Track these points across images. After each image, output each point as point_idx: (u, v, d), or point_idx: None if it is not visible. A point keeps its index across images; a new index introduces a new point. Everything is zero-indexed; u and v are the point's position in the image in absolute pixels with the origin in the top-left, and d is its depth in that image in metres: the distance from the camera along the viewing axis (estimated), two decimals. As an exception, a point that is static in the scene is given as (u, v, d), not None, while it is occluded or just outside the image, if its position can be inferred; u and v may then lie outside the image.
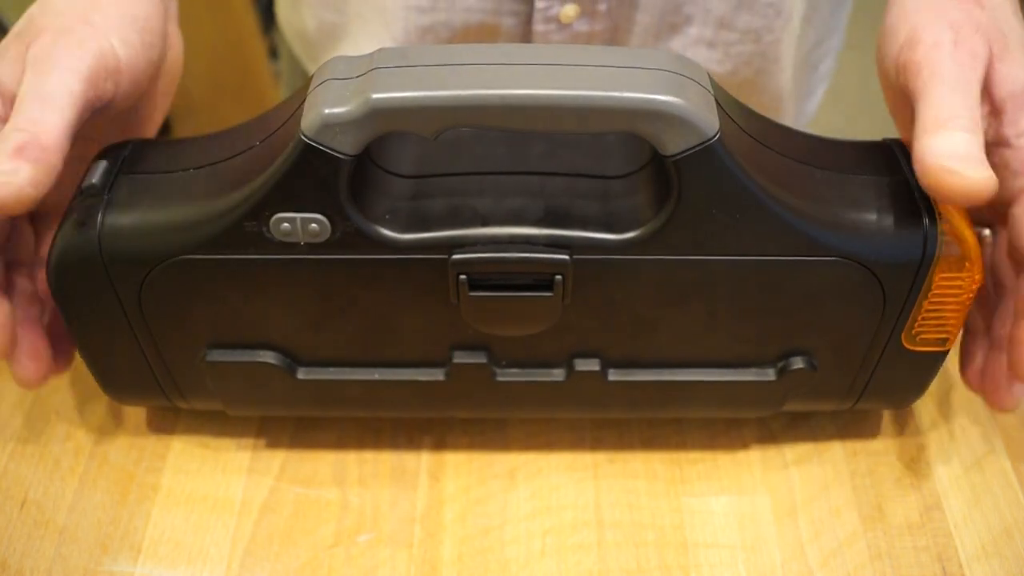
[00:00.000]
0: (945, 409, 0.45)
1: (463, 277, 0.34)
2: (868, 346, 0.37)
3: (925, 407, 0.45)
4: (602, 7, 0.52)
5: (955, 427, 0.44)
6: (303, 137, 0.31)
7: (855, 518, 0.41)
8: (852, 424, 0.44)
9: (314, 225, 0.33)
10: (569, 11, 0.52)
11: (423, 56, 0.31)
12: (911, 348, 0.37)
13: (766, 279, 0.35)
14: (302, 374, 0.39)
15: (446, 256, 0.34)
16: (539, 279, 0.34)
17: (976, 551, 0.39)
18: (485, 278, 0.34)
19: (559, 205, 0.34)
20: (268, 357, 0.38)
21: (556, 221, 0.34)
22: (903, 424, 0.44)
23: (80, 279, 0.35)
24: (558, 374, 0.39)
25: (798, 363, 0.38)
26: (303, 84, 0.33)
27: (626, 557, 0.40)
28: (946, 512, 0.41)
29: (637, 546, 0.40)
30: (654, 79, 0.30)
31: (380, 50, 0.31)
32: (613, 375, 0.39)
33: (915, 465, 0.43)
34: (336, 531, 0.41)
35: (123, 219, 0.34)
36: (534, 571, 0.39)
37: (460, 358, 0.38)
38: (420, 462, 0.43)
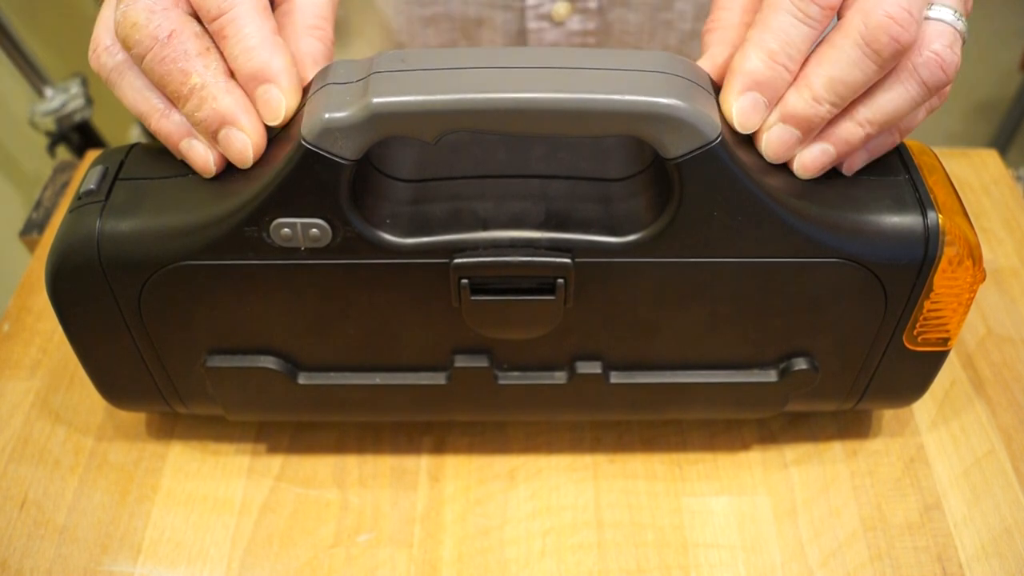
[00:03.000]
0: (945, 409, 0.45)
1: (464, 281, 0.34)
2: (870, 347, 0.37)
3: (925, 407, 0.45)
4: (592, 4, 0.52)
5: (955, 427, 0.44)
6: (303, 142, 0.30)
7: (855, 518, 0.41)
8: (852, 424, 0.44)
9: (315, 230, 0.33)
10: (560, 9, 0.52)
11: (422, 60, 0.31)
12: (912, 348, 0.37)
13: (767, 281, 0.35)
14: (303, 379, 0.39)
15: (447, 260, 0.34)
16: (541, 282, 0.34)
17: (976, 551, 0.39)
18: (487, 282, 0.34)
19: (560, 208, 0.34)
20: (268, 362, 0.38)
21: (557, 224, 0.34)
22: (903, 424, 0.44)
23: (78, 285, 0.35)
24: (560, 377, 0.39)
25: (800, 364, 0.38)
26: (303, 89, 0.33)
27: (626, 557, 0.40)
28: (946, 512, 0.41)
29: (637, 546, 0.40)
30: (655, 82, 0.30)
31: (379, 54, 0.31)
32: (615, 378, 0.39)
33: (915, 465, 0.43)
34: (336, 531, 0.41)
35: (122, 224, 0.34)
36: (534, 571, 0.39)
37: (461, 362, 0.38)
38: (420, 462, 0.43)
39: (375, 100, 0.29)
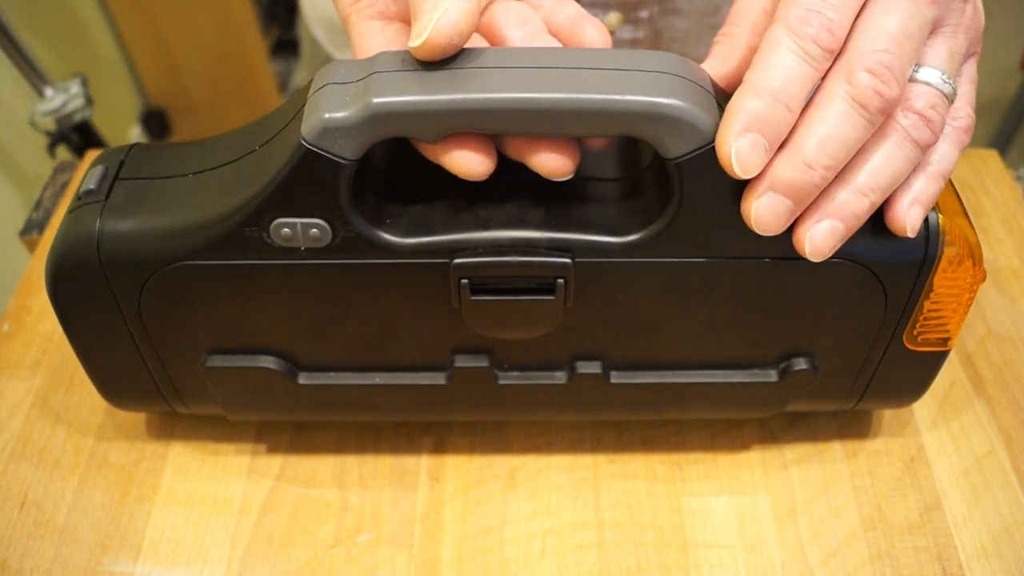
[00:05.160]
0: (945, 409, 0.45)
1: (464, 281, 0.34)
2: (870, 347, 0.37)
3: (925, 407, 0.45)
4: (644, 14, 0.52)
5: (955, 427, 0.44)
6: (303, 142, 0.30)
7: (855, 518, 0.41)
8: (852, 424, 0.44)
9: (315, 230, 0.33)
10: (612, 19, 0.52)
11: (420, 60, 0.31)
12: (913, 348, 0.37)
13: (767, 281, 0.35)
14: (303, 379, 0.39)
15: (447, 260, 0.34)
16: (541, 283, 0.34)
17: (976, 551, 0.39)
18: (487, 282, 0.34)
19: (560, 208, 0.34)
20: (269, 362, 0.38)
21: (557, 224, 0.34)
22: (903, 424, 0.44)
23: (78, 285, 0.35)
24: (560, 377, 0.39)
25: (800, 364, 0.38)
26: (303, 88, 0.33)
27: (626, 557, 0.40)
28: (946, 512, 0.41)
29: (637, 546, 0.40)
30: (656, 82, 0.30)
31: (380, 54, 0.31)
32: (615, 377, 0.39)
33: (915, 465, 0.43)
34: (336, 531, 0.41)
35: (122, 224, 0.34)
36: (534, 571, 0.39)
37: (462, 362, 0.38)
38: (420, 462, 0.43)
39: (375, 100, 0.29)
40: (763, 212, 0.30)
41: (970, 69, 0.34)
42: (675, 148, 0.30)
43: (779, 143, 0.30)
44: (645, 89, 0.29)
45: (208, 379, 0.39)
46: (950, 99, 0.31)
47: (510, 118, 0.30)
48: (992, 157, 0.58)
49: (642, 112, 0.29)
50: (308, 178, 0.31)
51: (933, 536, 0.40)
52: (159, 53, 1.41)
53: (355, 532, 0.41)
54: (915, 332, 0.37)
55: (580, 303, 0.35)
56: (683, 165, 0.31)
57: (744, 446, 0.44)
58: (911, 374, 0.39)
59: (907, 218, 0.32)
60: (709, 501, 0.42)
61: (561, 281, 0.34)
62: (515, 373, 0.39)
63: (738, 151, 0.29)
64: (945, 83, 0.31)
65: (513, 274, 0.34)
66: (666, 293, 0.35)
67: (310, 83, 0.32)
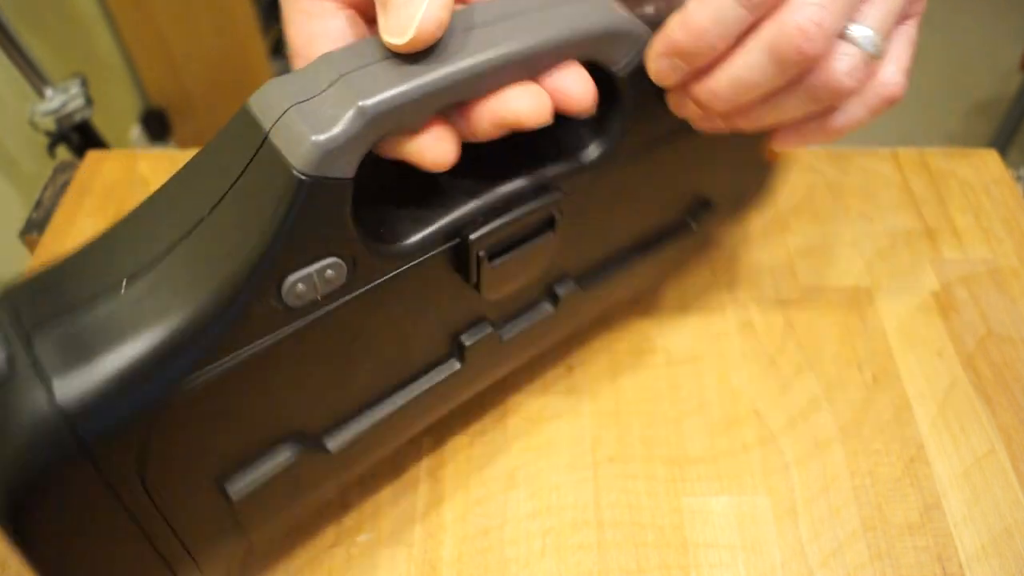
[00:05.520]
0: (945, 409, 0.45)
1: (482, 253, 0.33)
2: (749, 175, 0.45)
3: (925, 407, 0.45)
4: (649, 10, 0.53)
5: (955, 427, 0.44)
6: (302, 176, 0.26)
7: (855, 518, 0.41)
8: (852, 424, 0.44)
9: (330, 271, 0.29)
10: None
11: (378, 50, 0.29)
12: (766, 160, 0.45)
13: (704, 149, 0.39)
14: (332, 444, 0.34)
15: (454, 242, 0.33)
16: (541, 222, 0.35)
17: (976, 551, 0.39)
18: (499, 244, 0.34)
19: (530, 150, 0.35)
20: (293, 450, 0.32)
21: (533, 165, 0.35)
22: (903, 424, 0.44)
23: (52, 495, 0.25)
24: (548, 308, 0.40)
25: (708, 206, 0.44)
26: (225, 130, 0.28)
27: (626, 557, 0.40)
28: (946, 512, 0.41)
29: (637, 546, 0.40)
30: (593, 8, 0.31)
31: (327, 56, 0.28)
32: (588, 286, 0.41)
33: (915, 465, 0.43)
34: (336, 531, 0.41)
35: (83, 379, 0.25)
36: (534, 571, 0.39)
37: (469, 339, 0.37)
38: (420, 462, 0.43)
39: (366, 102, 0.27)
40: (671, 101, 0.35)
41: (910, 31, 0.33)
42: (622, 58, 0.33)
43: (697, 68, 0.32)
44: (593, 16, 0.31)
45: (240, 512, 0.31)
46: (876, 56, 0.31)
47: (494, 77, 0.29)
48: (992, 157, 0.58)
49: (601, 34, 0.31)
50: (313, 214, 0.27)
51: (933, 536, 0.40)
52: (159, 53, 1.41)
53: (355, 532, 0.41)
54: (769, 146, 0.41)
55: (563, 228, 0.37)
56: (630, 72, 0.33)
57: (744, 446, 0.44)
58: (766, 181, 0.47)
59: (776, 146, 0.35)
60: (709, 501, 0.42)
61: (558, 214, 0.35)
62: (511, 324, 0.39)
63: (657, 69, 0.33)
64: (874, 44, 0.31)
65: (521, 226, 0.34)
66: (624, 191, 0.38)
67: (245, 117, 0.27)
